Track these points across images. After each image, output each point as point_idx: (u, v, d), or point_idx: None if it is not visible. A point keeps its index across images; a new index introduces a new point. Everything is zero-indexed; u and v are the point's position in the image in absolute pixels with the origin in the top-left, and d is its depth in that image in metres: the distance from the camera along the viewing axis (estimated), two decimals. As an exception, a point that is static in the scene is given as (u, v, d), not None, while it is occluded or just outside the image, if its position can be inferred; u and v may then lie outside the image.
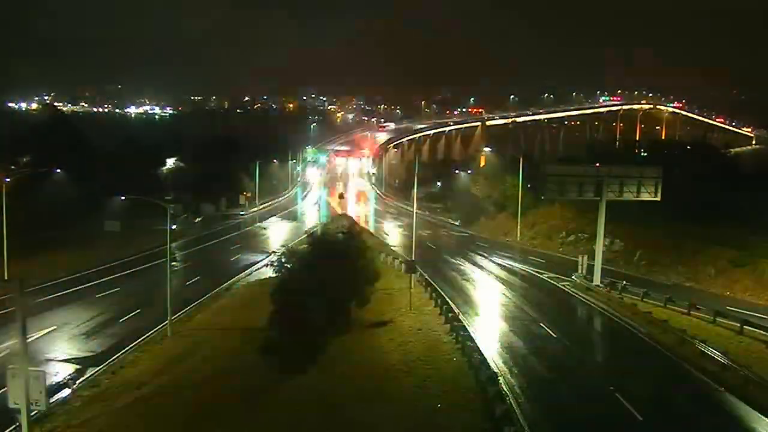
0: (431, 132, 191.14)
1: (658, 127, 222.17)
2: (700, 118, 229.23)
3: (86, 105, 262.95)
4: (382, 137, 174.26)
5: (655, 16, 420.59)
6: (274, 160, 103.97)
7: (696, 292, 39.40)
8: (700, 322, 32.35)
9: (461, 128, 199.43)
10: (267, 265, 46.26)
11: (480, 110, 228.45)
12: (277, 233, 68.12)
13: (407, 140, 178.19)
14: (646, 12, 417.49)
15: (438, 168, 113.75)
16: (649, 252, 47.44)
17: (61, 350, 29.38)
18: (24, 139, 74.18)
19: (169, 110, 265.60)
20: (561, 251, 54.54)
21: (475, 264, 50.45)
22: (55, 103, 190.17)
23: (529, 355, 27.48)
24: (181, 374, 26.29)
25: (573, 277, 41.89)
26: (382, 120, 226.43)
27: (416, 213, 49.44)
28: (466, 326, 29.37)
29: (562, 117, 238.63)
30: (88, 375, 26.36)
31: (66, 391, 23.95)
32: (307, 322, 25.44)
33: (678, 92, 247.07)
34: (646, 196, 39.09)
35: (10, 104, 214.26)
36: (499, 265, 49.65)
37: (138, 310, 35.40)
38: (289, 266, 30.40)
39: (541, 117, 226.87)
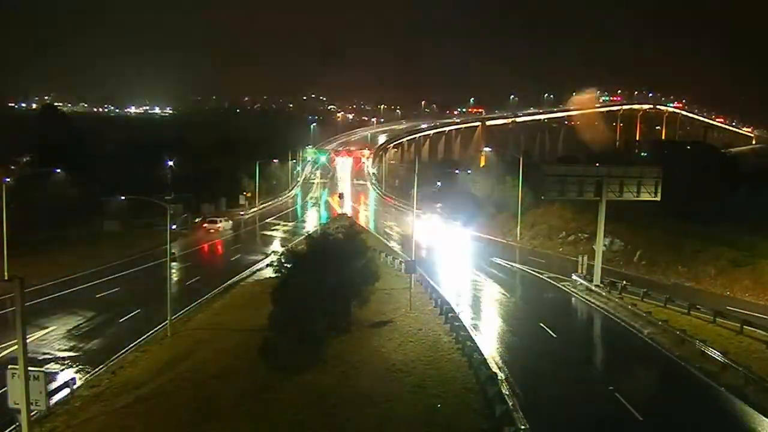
0: (431, 132, 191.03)
1: (658, 127, 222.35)
2: (700, 118, 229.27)
3: (86, 105, 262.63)
4: (382, 137, 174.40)
5: (655, 15, 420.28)
6: (274, 160, 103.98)
7: (696, 292, 39.37)
8: (700, 322, 32.33)
9: (461, 128, 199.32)
10: (267, 265, 46.43)
11: (480, 110, 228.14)
12: (277, 233, 68.12)
13: (407, 140, 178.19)
14: (646, 11, 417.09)
15: (438, 168, 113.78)
16: (649, 252, 47.40)
17: (60, 350, 29.36)
18: (24, 139, 74.23)
19: (169, 110, 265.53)
20: (561, 251, 54.50)
21: (474, 264, 50.42)
22: (56, 103, 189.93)
23: (529, 355, 27.50)
24: (181, 374, 26.24)
25: (573, 277, 41.88)
26: (382, 120, 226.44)
27: (416, 213, 49.46)
28: (466, 326, 29.40)
29: (562, 117, 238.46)
30: (88, 375, 26.33)
31: (66, 391, 23.88)
32: (306, 322, 25.47)
33: (678, 92, 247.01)
34: (646, 196, 39.07)
35: (10, 104, 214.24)
36: (498, 265, 49.62)
37: (138, 310, 35.32)
38: (289, 266, 30.45)
39: (541, 117, 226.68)
